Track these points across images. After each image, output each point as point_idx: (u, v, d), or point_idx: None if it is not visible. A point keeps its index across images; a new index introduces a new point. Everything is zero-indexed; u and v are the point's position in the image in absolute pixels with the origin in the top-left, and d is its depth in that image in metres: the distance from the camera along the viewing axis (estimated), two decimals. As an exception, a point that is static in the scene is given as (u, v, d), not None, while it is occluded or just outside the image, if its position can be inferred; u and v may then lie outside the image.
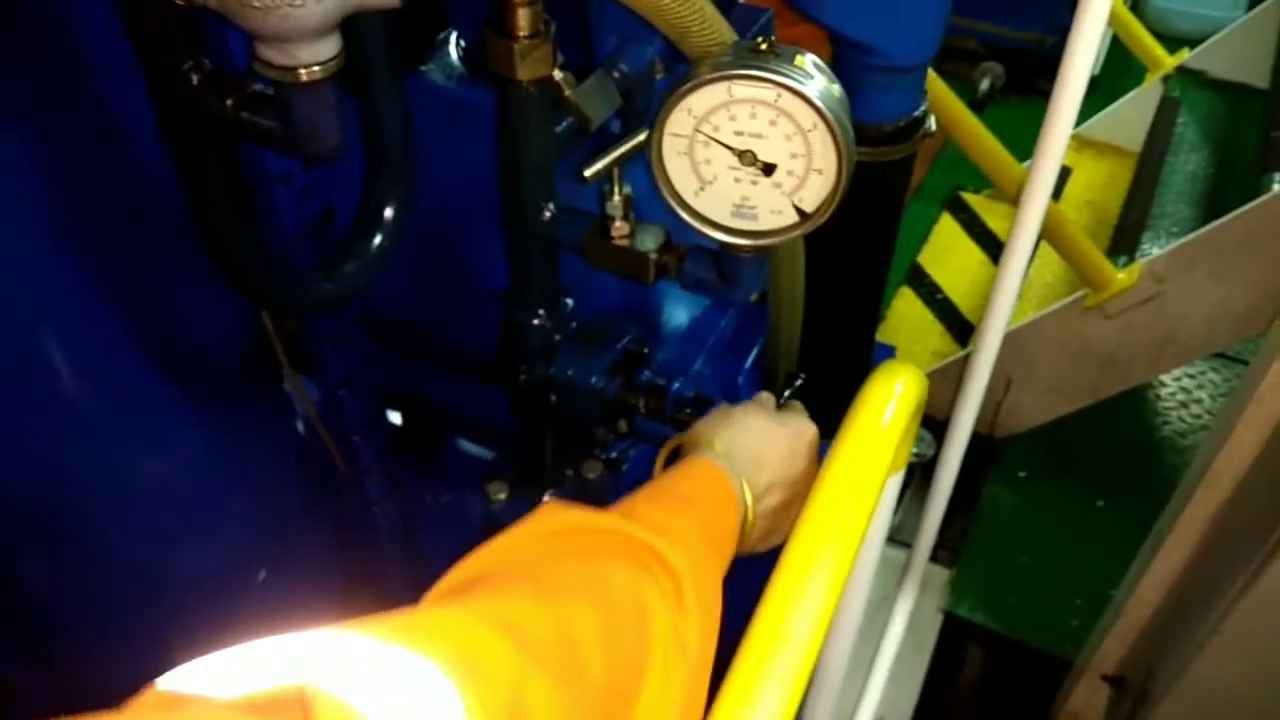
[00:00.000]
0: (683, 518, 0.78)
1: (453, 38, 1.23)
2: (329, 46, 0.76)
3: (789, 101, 0.78)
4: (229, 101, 0.86)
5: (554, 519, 0.73)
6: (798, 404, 1.05)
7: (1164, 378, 3.02)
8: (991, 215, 3.54)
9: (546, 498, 1.25)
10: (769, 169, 0.82)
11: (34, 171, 0.94)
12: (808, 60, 0.80)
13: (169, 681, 0.48)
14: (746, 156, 0.82)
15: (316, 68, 0.76)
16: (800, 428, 0.97)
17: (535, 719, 0.55)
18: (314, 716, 0.45)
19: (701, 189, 0.86)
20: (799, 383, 1.18)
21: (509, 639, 0.57)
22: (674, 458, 0.95)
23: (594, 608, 0.65)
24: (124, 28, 0.84)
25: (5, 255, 0.96)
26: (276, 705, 0.46)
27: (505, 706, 0.53)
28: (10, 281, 0.97)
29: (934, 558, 2.57)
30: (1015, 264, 1.42)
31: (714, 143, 0.82)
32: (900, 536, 2.57)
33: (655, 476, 0.88)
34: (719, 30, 0.84)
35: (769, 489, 0.91)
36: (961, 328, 3.10)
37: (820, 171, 0.82)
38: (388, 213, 1.10)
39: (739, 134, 0.81)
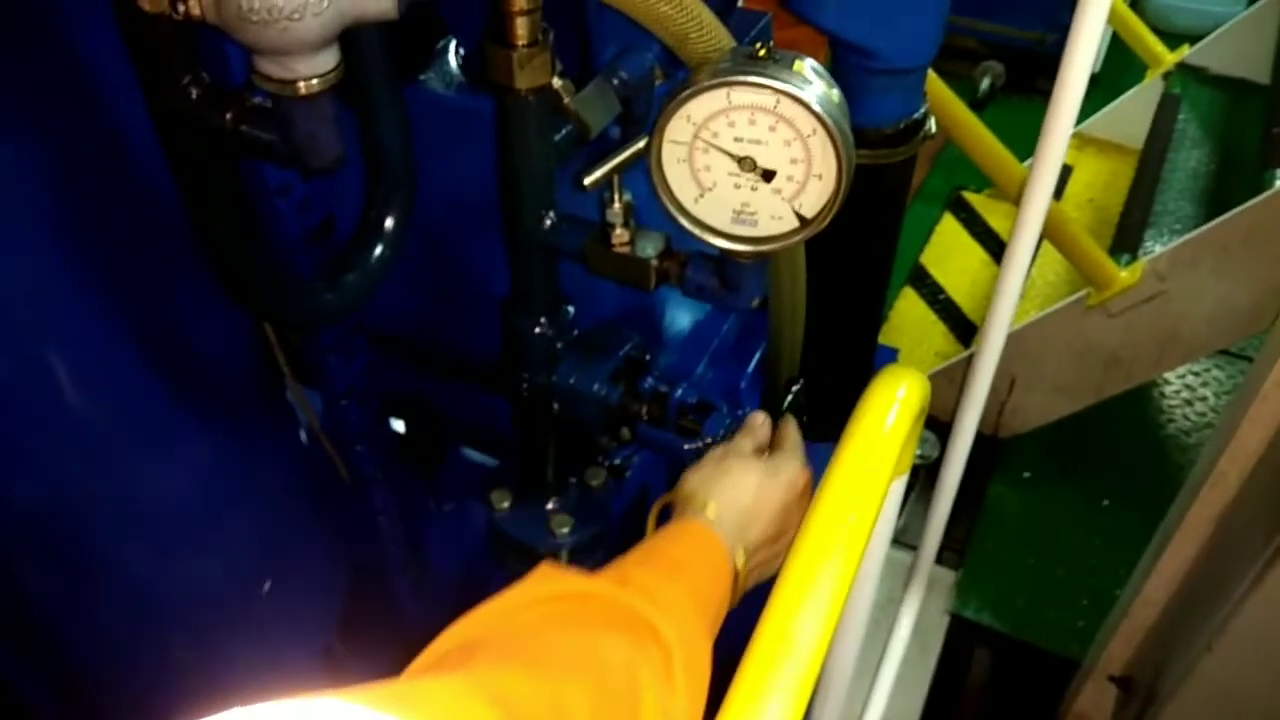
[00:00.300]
0: (675, 585, 0.80)
1: (452, 46, 1.24)
2: (327, 59, 0.76)
3: (788, 107, 0.78)
4: (228, 115, 0.86)
5: (548, 584, 0.74)
6: (792, 437, 1.05)
7: (1168, 376, 3.01)
8: (993, 215, 3.54)
9: (550, 505, 1.25)
10: (769, 175, 0.82)
11: (37, 183, 0.95)
12: (806, 65, 0.80)
13: None
14: (746, 163, 0.82)
15: (315, 80, 0.76)
16: (793, 477, 0.98)
17: None
18: None
19: (701, 195, 0.86)
20: (797, 388, 1.18)
21: (500, 711, 0.57)
22: (666, 513, 0.96)
23: (585, 681, 0.66)
24: (123, 42, 0.85)
25: (8, 266, 0.96)
26: None
27: None
28: (13, 292, 0.97)
29: (940, 559, 2.57)
30: (1017, 264, 1.42)
31: (713, 149, 0.82)
32: (905, 539, 2.56)
33: (648, 535, 0.90)
34: (717, 36, 0.84)
35: (759, 545, 0.93)
36: (964, 328, 3.10)
37: (820, 177, 0.82)
38: (388, 223, 1.10)
39: (738, 140, 0.81)
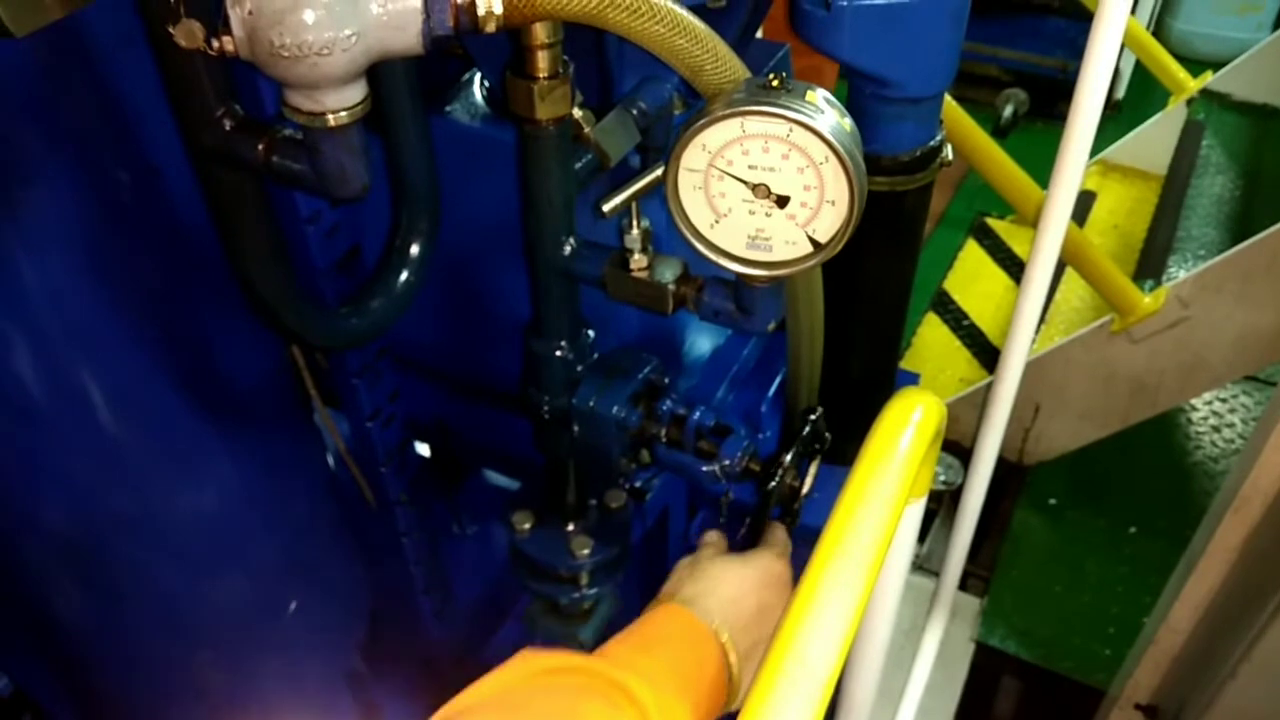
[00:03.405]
0: (649, 656, 0.84)
1: (476, 79, 1.27)
2: (355, 92, 0.79)
3: (801, 136, 0.80)
4: (260, 146, 0.89)
5: (531, 662, 0.78)
6: (776, 535, 1.10)
7: (1195, 402, 2.99)
8: (1017, 240, 3.54)
9: (570, 528, 1.26)
10: (783, 201, 0.84)
11: (74, 212, 0.98)
12: (819, 95, 0.82)
13: None
14: (760, 190, 0.84)
15: (344, 113, 0.78)
16: (768, 564, 1.01)
17: None
18: None
19: (717, 222, 0.87)
20: (816, 416, 1.18)
21: None
22: None
23: None
24: (160, 77, 0.88)
25: (44, 291, 0.99)
26: None
27: None
28: (48, 317, 1.00)
29: (966, 586, 2.55)
30: (1036, 289, 1.43)
31: (728, 177, 0.84)
32: (931, 565, 2.55)
33: None
34: (732, 68, 0.86)
35: (745, 626, 0.94)
36: (988, 354, 3.09)
37: (833, 203, 0.83)
38: (414, 250, 1.13)
39: (752, 168, 0.83)
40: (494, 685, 0.76)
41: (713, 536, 1.11)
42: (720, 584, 0.96)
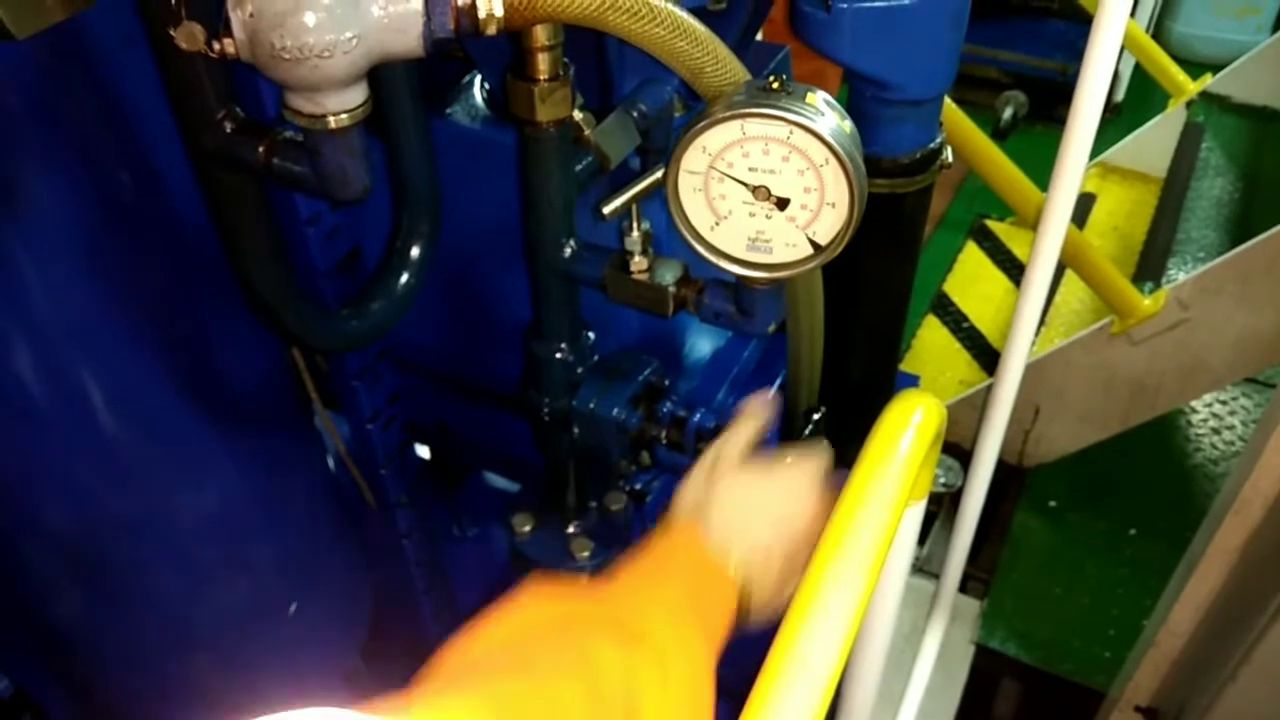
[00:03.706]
0: (663, 588, 0.82)
1: (477, 81, 1.27)
2: (356, 95, 0.79)
3: (801, 138, 0.80)
4: (261, 148, 0.89)
5: (541, 606, 0.76)
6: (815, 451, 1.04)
7: (1195, 404, 2.99)
8: (1017, 243, 3.55)
9: (570, 529, 1.26)
10: (783, 203, 0.84)
11: (75, 214, 0.98)
12: (819, 98, 0.82)
13: None
14: (760, 192, 0.84)
15: (344, 115, 0.79)
16: (794, 477, 0.95)
17: None
18: None
19: (717, 224, 0.87)
20: (818, 416, 1.19)
21: (494, 714, 0.60)
22: None
23: (579, 684, 0.68)
24: (161, 79, 0.88)
25: (44, 292, 0.99)
26: None
27: None
28: (49, 318, 1.00)
29: (966, 589, 2.55)
30: (1035, 291, 1.43)
31: (728, 179, 0.84)
32: (931, 567, 2.55)
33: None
34: (732, 70, 0.86)
35: (769, 551, 0.90)
36: (988, 356, 3.09)
37: (833, 205, 0.83)
38: (414, 252, 1.14)
39: (753, 170, 0.83)
40: (503, 632, 0.74)
41: (755, 407, 1.03)
42: (747, 498, 0.92)
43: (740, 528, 0.90)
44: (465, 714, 0.59)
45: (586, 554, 1.23)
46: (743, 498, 0.93)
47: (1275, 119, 3.54)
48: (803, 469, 0.96)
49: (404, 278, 1.14)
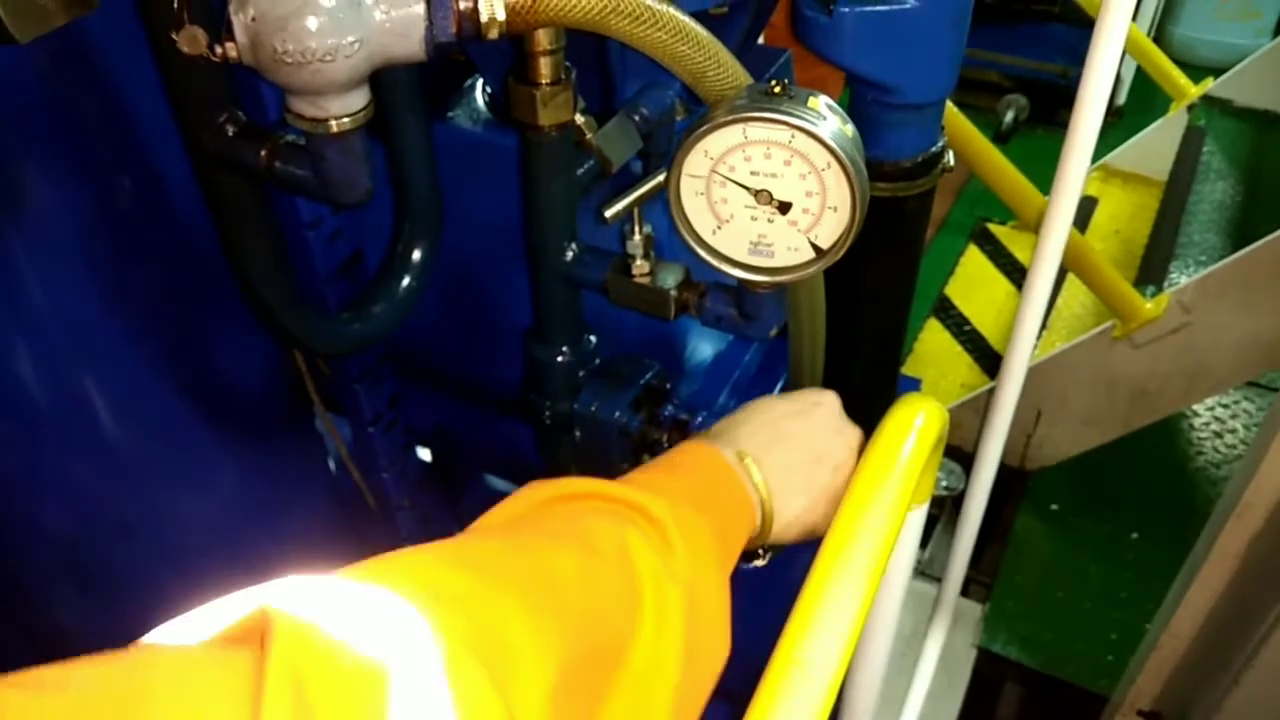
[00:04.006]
0: (665, 477, 0.80)
1: (479, 84, 1.27)
2: (358, 98, 0.79)
3: (803, 142, 0.80)
4: (262, 152, 0.89)
5: (540, 490, 0.74)
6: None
7: (1197, 408, 2.98)
8: (1018, 246, 3.55)
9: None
10: (784, 207, 0.84)
11: (77, 218, 0.98)
12: (821, 102, 0.82)
13: (151, 635, 0.49)
14: (762, 195, 0.84)
15: (346, 119, 0.79)
16: (811, 397, 0.95)
17: (512, 644, 0.54)
18: (271, 636, 0.45)
19: (719, 227, 0.87)
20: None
21: (475, 573, 0.57)
22: None
23: (571, 548, 0.65)
24: (162, 82, 0.88)
25: (47, 298, 0.99)
26: (241, 635, 0.48)
27: (476, 629, 0.53)
28: (51, 323, 1.01)
29: (968, 592, 2.55)
30: (1037, 295, 1.43)
31: (730, 183, 0.84)
32: (933, 571, 2.55)
33: None
34: (734, 74, 0.86)
35: (792, 462, 0.89)
36: (990, 359, 3.09)
37: (835, 209, 0.83)
38: (416, 255, 1.14)
39: (754, 174, 0.83)
40: (505, 512, 0.72)
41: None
42: (753, 415, 0.92)
43: (755, 436, 0.89)
44: (438, 570, 0.57)
45: (588, 558, 1.23)
46: (758, 412, 0.93)
47: (1277, 123, 3.53)
48: (822, 395, 0.96)
49: (405, 281, 1.14)
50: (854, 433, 0.94)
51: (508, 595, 0.57)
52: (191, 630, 0.48)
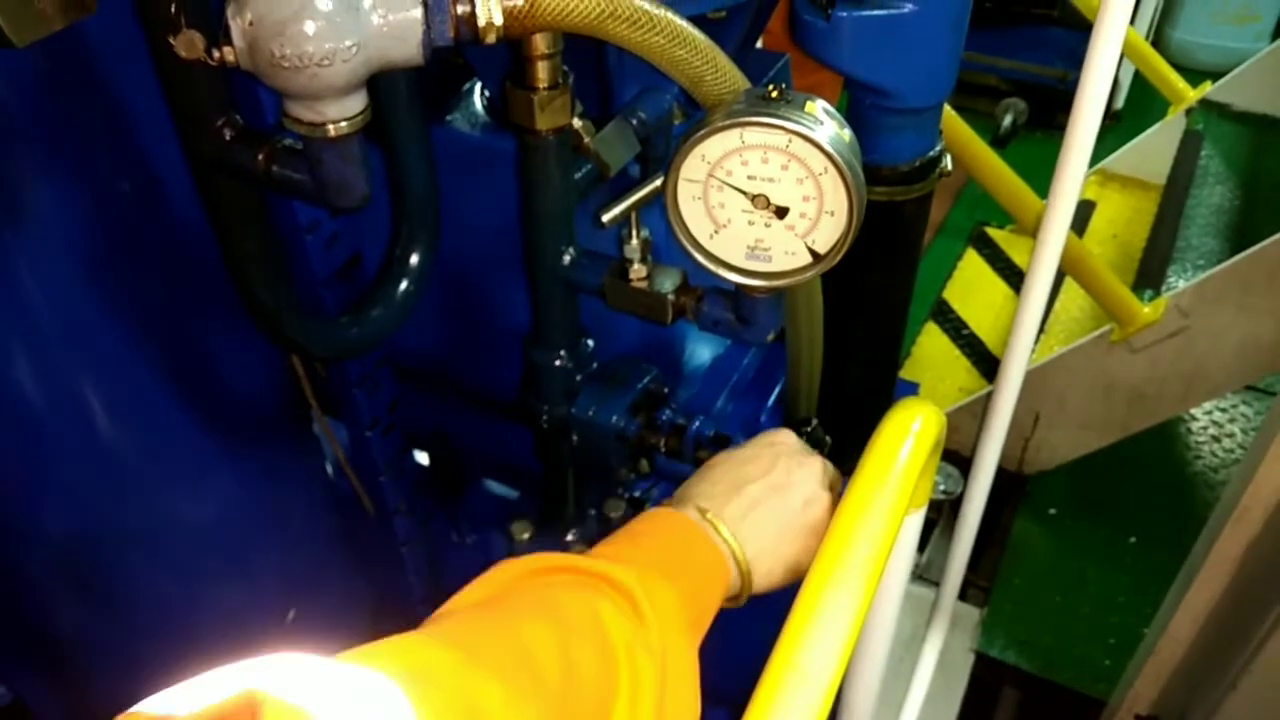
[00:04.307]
0: (632, 547, 0.81)
1: (477, 88, 1.27)
2: (355, 103, 0.79)
3: (800, 146, 0.80)
4: (260, 156, 0.89)
5: (509, 568, 0.76)
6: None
7: (1195, 412, 2.98)
8: (1016, 250, 3.54)
9: (569, 537, 1.26)
10: (782, 212, 0.84)
11: (75, 222, 0.98)
12: (818, 106, 0.82)
13: (140, 706, 0.50)
14: (759, 200, 0.84)
15: (344, 123, 0.79)
16: (765, 439, 0.94)
17: (493, 718, 0.56)
18: (261, 717, 0.46)
19: (716, 232, 0.87)
20: (811, 427, 1.18)
21: (458, 651, 0.59)
22: None
23: (546, 623, 0.67)
24: (160, 86, 0.88)
25: (46, 302, 0.99)
26: (229, 716, 0.48)
27: (458, 709, 0.55)
28: (50, 327, 1.01)
29: (966, 597, 2.55)
30: (1035, 298, 1.43)
31: (727, 187, 0.84)
32: (931, 575, 2.55)
33: None
34: (732, 78, 0.86)
35: (758, 509, 0.88)
36: (988, 363, 3.09)
37: (832, 213, 0.83)
38: (413, 259, 1.14)
39: (752, 178, 0.83)
40: (477, 593, 0.74)
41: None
42: (709, 471, 0.92)
43: (715, 491, 0.89)
44: (422, 651, 0.59)
45: (585, 562, 1.22)
46: (714, 468, 0.92)
47: (1275, 127, 3.53)
48: (775, 435, 0.96)
49: (403, 285, 1.14)
50: (815, 462, 0.93)
51: (488, 672, 0.59)
52: (180, 704, 0.49)
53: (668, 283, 1.02)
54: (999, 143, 4.12)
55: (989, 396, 1.57)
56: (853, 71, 1.16)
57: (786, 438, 0.96)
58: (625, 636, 0.69)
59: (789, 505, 0.90)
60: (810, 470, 0.92)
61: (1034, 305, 1.42)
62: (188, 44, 0.77)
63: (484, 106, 1.25)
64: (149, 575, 1.22)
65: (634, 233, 1.00)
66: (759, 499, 0.89)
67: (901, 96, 1.18)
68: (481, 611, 0.70)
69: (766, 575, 0.88)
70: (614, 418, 1.13)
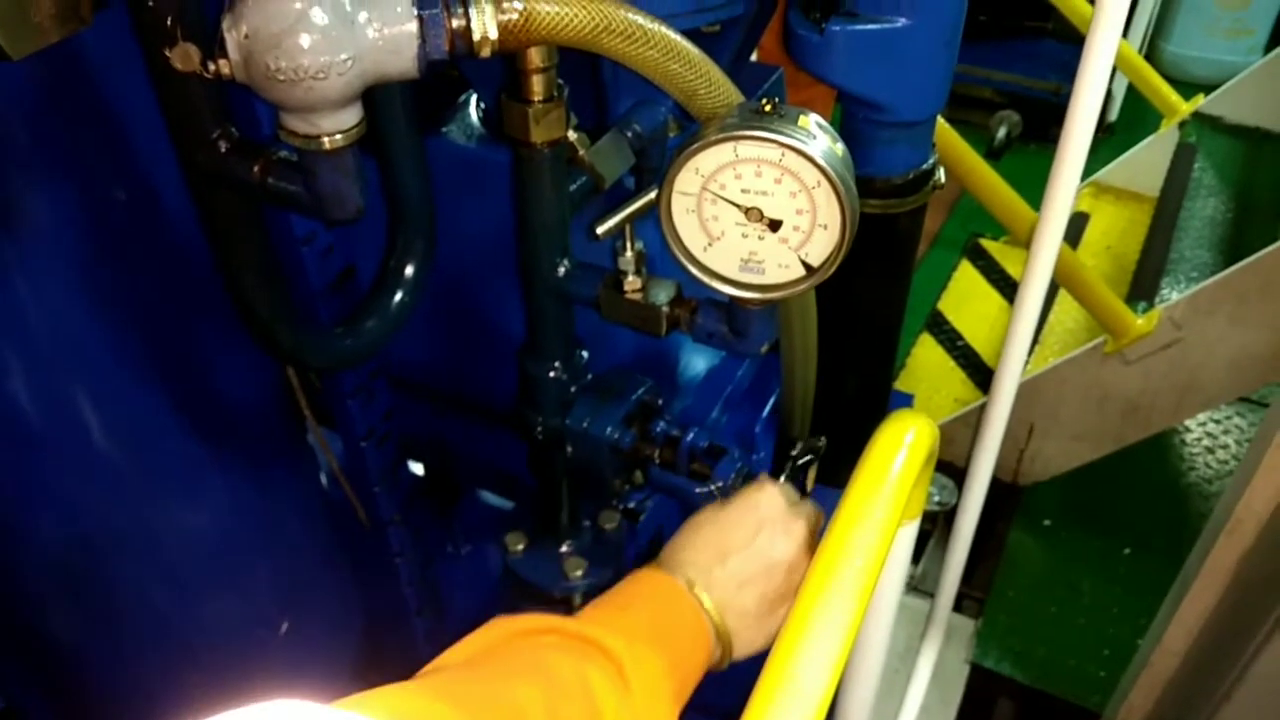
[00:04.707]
0: (621, 613, 0.83)
1: (473, 100, 1.28)
2: (351, 115, 0.79)
3: (793, 160, 0.81)
4: (255, 168, 0.89)
5: (504, 626, 0.77)
6: (762, 478, 1.05)
7: (1189, 423, 2.99)
8: (1011, 261, 3.56)
9: (564, 548, 1.26)
10: (775, 225, 0.84)
11: (70, 232, 0.98)
12: (811, 120, 0.82)
13: None
14: (753, 213, 0.84)
15: (339, 136, 0.79)
16: (754, 500, 0.95)
17: None
18: None
19: (710, 245, 0.88)
20: (801, 447, 1.18)
21: (450, 704, 0.61)
22: None
23: (536, 684, 0.69)
24: (156, 99, 0.88)
25: (41, 312, 0.99)
26: None
27: None
28: (45, 337, 1.00)
29: (961, 608, 2.55)
30: (1028, 310, 1.43)
31: (721, 200, 0.85)
32: (926, 586, 2.55)
33: None
34: (725, 92, 0.86)
35: (741, 580, 0.90)
36: (983, 374, 3.09)
37: (825, 227, 0.84)
38: (408, 270, 1.14)
39: (745, 191, 0.84)
40: (467, 650, 0.75)
41: (763, 478, 1.04)
42: (695, 535, 0.93)
43: (700, 559, 0.91)
44: (417, 702, 0.61)
45: (580, 573, 1.22)
46: (699, 532, 0.94)
47: (1267, 139, 3.56)
48: (760, 494, 0.96)
49: (398, 296, 1.14)
50: (800, 527, 0.94)
51: None
52: None
53: (662, 295, 1.02)
54: (993, 155, 4.13)
55: (983, 408, 1.57)
56: (846, 85, 1.16)
57: (771, 500, 0.96)
58: (612, 703, 0.71)
59: (772, 578, 0.91)
60: (794, 538, 0.93)
61: (1027, 316, 1.43)
62: (183, 56, 0.78)
63: (480, 119, 1.26)
64: (143, 585, 1.22)
65: (629, 245, 1.00)
66: (743, 573, 0.90)
67: (894, 110, 1.19)
68: (473, 668, 0.72)
69: (747, 645, 0.90)
70: (608, 429, 1.13)
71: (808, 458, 1.10)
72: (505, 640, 0.76)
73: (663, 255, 0.93)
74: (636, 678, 0.74)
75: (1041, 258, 1.38)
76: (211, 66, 0.76)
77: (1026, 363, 1.52)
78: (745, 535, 0.92)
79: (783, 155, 0.80)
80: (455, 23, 0.76)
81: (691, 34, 0.86)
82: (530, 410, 1.17)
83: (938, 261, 3.64)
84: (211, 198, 0.95)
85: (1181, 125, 3.55)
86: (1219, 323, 2.44)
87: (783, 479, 1.04)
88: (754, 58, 1.43)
